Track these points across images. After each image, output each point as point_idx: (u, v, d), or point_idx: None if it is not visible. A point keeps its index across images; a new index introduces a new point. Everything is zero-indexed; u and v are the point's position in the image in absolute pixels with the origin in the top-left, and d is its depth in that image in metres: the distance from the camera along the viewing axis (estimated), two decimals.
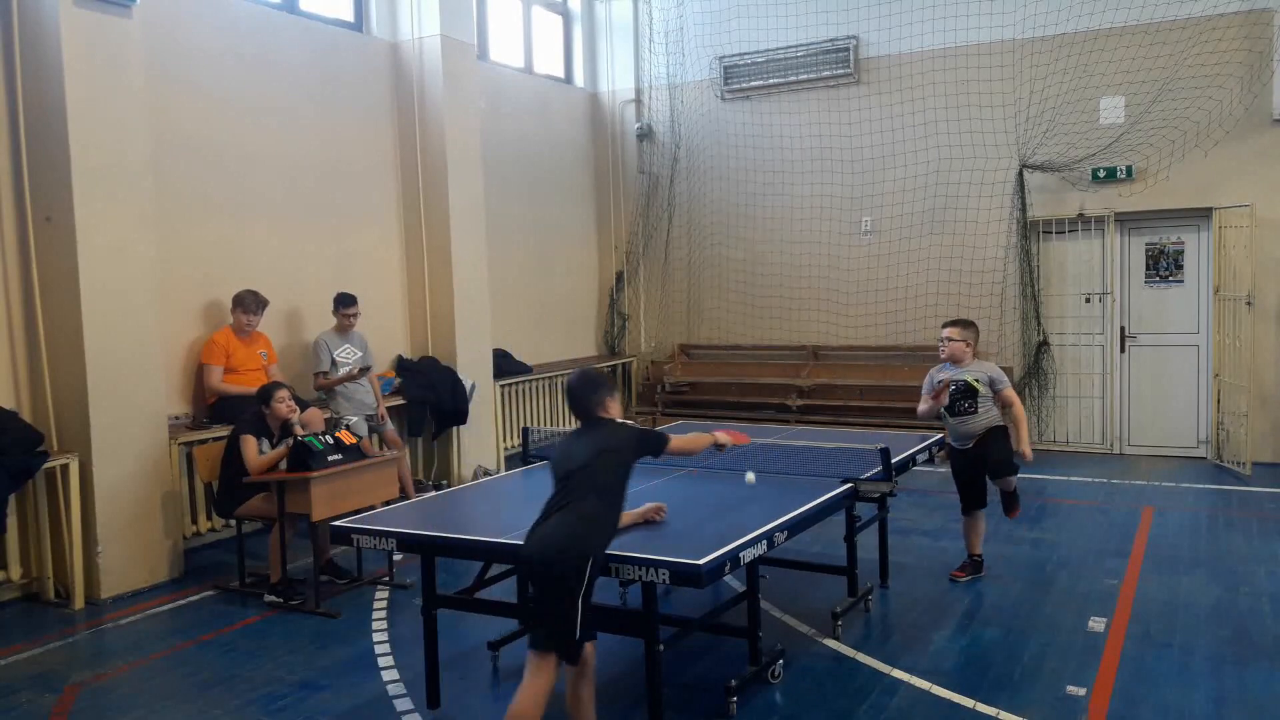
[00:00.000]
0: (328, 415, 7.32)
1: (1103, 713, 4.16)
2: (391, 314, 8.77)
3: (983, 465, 5.72)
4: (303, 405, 6.32)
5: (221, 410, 6.76)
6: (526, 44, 10.84)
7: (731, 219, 11.20)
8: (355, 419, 7.34)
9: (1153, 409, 9.52)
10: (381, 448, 7.95)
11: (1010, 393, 5.68)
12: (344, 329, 7.48)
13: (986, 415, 5.70)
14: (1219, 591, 5.62)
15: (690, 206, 11.45)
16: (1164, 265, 9.43)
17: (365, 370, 7.43)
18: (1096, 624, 5.14)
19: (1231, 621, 5.16)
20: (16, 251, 5.96)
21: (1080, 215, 9.52)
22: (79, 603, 5.88)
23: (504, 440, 9.61)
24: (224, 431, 6.57)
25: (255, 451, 5.79)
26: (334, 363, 7.38)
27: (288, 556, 5.78)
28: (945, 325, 5.92)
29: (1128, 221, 9.47)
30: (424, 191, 8.75)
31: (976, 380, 5.66)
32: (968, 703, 4.26)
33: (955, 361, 5.76)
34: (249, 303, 6.88)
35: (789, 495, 4.54)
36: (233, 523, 6.24)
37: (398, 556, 6.15)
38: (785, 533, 4.09)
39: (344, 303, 7.45)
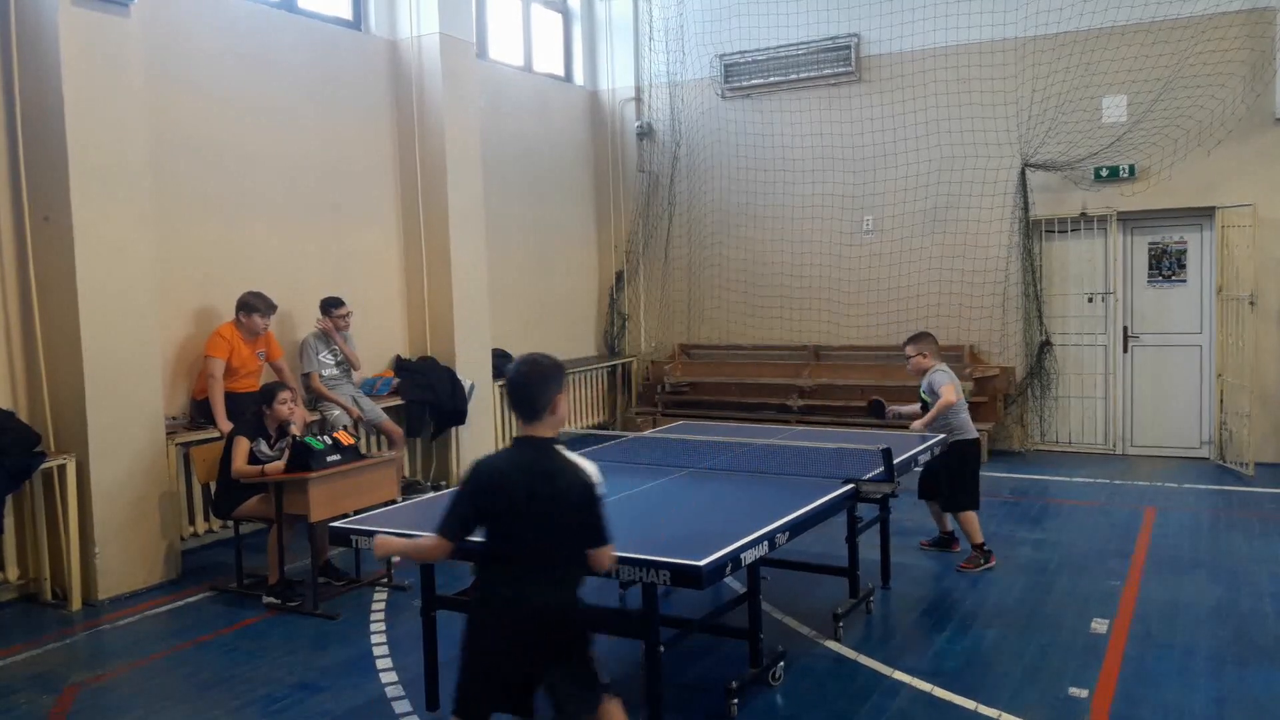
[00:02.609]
0: (315, 418, 7.33)
1: (1104, 713, 4.14)
2: (390, 314, 8.75)
3: (938, 479, 6.18)
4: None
5: (206, 407, 6.74)
6: (526, 42, 10.81)
7: (732, 218, 11.18)
8: (337, 412, 7.39)
9: (1155, 409, 9.50)
10: (379, 441, 7.96)
11: (943, 389, 6.01)
12: (337, 329, 7.50)
13: (944, 422, 6.05)
14: (1221, 592, 5.60)
15: (690, 206, 11.43)
16: (1166, 265, 9.40)
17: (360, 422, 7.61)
18: (1099, 625, 5.12)
19: (1233, 622, 5.14)
20: (14, 251, 5.94)
21: (1082, 214, 9.49)
22: (76, 604, 5.86)
23: (503, 440, 9.58)
24: (215, 433, 6.57)
25: (244, 456, 5.78)
26: (320, 364, 7.47)
27: (286, 558, 5.76)
28: (904, 345, 6.40)
29: (1130, 221, 9.44)
30: (423, 191, 8.72)
31: (923, 392, 6.18)
32: (969, 704, 4.23)
33: (919, 374, 6.26)
34: (261, 306, 6.84)
35: (790, 496, 4.52)
36: (230, 523, 6.22)
37: (396, 558, 6.13)
38: (787, 534, 4.06)
39: (334, 305, 7.50)
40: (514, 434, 3.25)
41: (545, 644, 3.08)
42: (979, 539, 6.11)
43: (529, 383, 3.14)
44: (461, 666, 3.18)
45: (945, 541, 6.48)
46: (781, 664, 4.54)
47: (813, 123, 10.62)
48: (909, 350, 6.28)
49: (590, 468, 3.14)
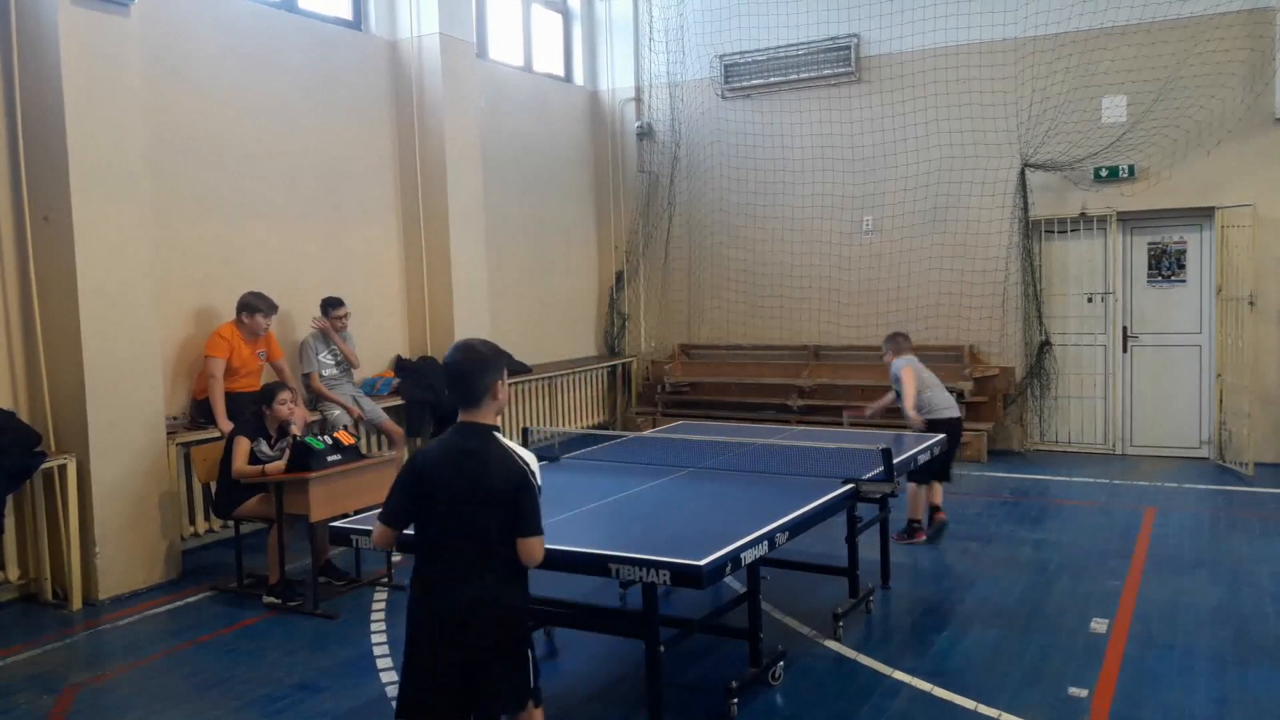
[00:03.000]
0: (315, 418, 7.33)
1: (1105, 714, 4.14)
2: (390, 314, 8.75)
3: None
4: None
5: (206, 407, 6.74)
6: (526, 42, 10.81)
7: (732, 218, 11.18)
8: (337, 412, 7.39)
9: (1155, 409, 9.49)
10: (380, 440, 7.96)
11: (902, 372, 6.67)
12: (335, 330, 7.50)
13: (919, 396, 6.64)
14: (1221, 592, 5.60)
15: (690, 206, 11.43)
16: (1166, 265, 9.40)
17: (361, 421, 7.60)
18: (1098, 625, 5.12)
19: (1234, 622, 5.14)
20: (14, 251, 5.94)
21: (1082, 214, 9.49)
22: (77, 603, 5.86)
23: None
24: (215, 433, 6.57)
25: (245, 456, 5.78)
26: (320, 364, 7.48)
27: (286, 557, 5.76)
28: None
29: (1130, 221, 9.44)
30: (423, 191, 8.72)
31: (892, 381, 6.83)
32: (969, 704, 4.23)
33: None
34: (263, 307, 6.84)
35: (790, 496, 4.52)
36: (230, 523, 6.21)
37: (397, 557, 6.14)
38: (786, 533, 4.07)
39: (333, 305, 7.50)
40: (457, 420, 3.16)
41: (477, 639, 3.00)
42: (918, 515, 6.62)
43: (465, 370, 3.09)
44: (403, 667, 3.13)
45: (934, 520, 6.70)
46: (781, 664, 4.54)
47: (813, 123, 10.61)
48: (883, 348, 7.05)
49: (528, 456, 3.07)
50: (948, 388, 9.30)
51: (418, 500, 3.10)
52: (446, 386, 3.15)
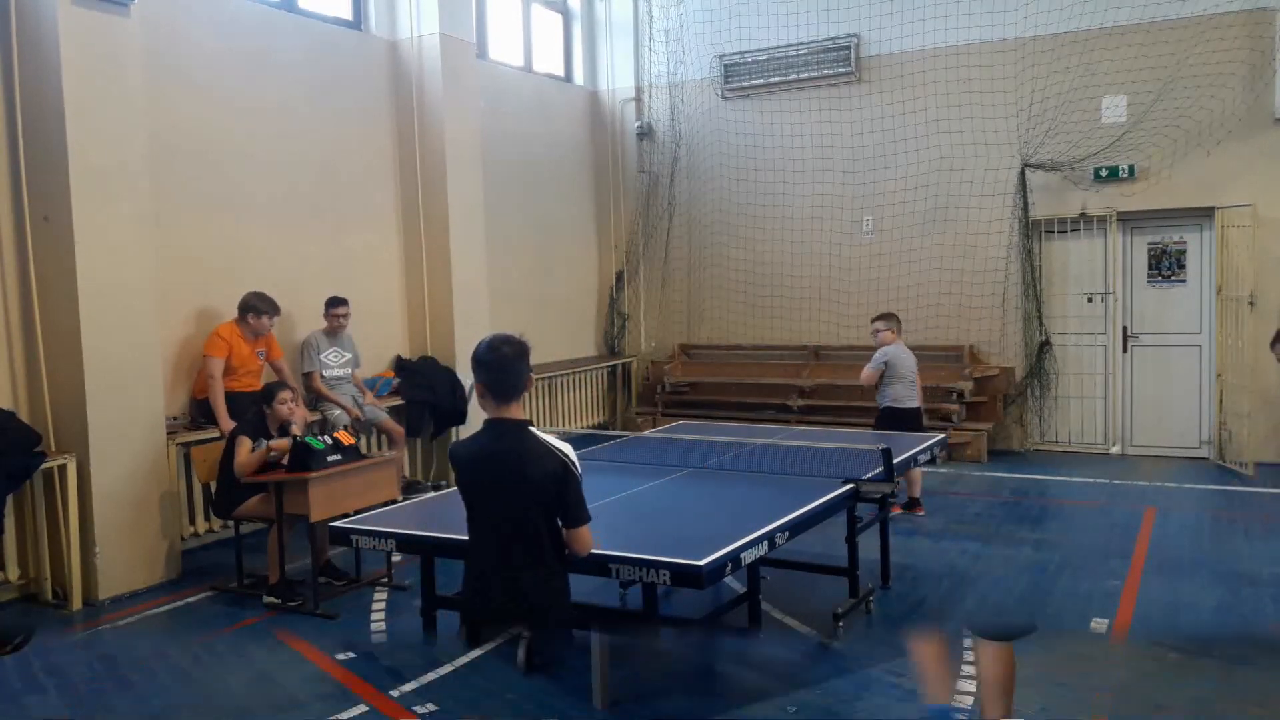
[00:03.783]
0: (316, 418, 7.34)
1: (1105, 713, 4.14)
2: (390, 314, 8.75)
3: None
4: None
5: (206, 407, 6.74)
6: (526, 42, 10.81)
7: (732, 218, 11.18)
8: (338, 412, 7.41)
9: (1155, 409, 9.49)
10: (380, 440, 7.96)
11: (873, 363, 7.48)
12: (334, 330, 7.52)
13: (889, 387, 7.45)
14: (1221, 592, 5.59)
15: (690, 206, 11.43)
16: (1166, 265, 9.40)
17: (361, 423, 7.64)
18: (1098, 625, 5.12)
19: (1234, 622, 5.13)
20: (14, 251, 5.93)
21: (1082, 215, 9.49)
22: (76, 604, 5.85)
23: None
24: (215, 433, 6.56)
25: (247, 455, 5.77)
26: (321, 364, 7.50)
27: (286, 557, 5.76)
28: (873, 320, 7.77)
29: (1130, 221, 9.44)
30: (423, 191, 8.72)
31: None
32: (970, 704, 4.23)
33: (884, 346, 7.57)
34: (266, 308, 6.84)
35: (790, 496, 4.52)
36: (230, 523, 6.21)
37: (397, 557, 6.12)
38: (786, 533, 4.07)
39: (332, 304, 7.51)
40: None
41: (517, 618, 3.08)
42: (915, 493, 7.30)
43: (510, 363, 3.07)
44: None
45: (911, 504, 7.33)
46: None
47: (813, 123, 10.61)
48: (882, 325, 7.60)
49: (564, 446, 3.04)
50: (947, 388, 9.40)
51: (464, 496, 3.20)
52: (487, 382, 3.07)
